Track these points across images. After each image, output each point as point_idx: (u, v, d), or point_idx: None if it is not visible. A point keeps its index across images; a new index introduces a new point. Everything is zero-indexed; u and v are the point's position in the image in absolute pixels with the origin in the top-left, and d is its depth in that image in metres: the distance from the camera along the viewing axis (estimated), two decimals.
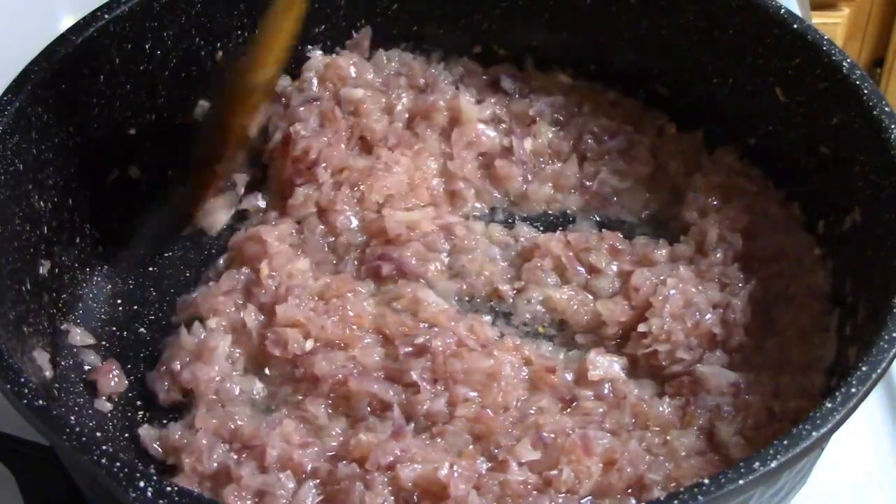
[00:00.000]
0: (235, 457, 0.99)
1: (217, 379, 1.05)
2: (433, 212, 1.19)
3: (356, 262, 1.16)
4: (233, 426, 1.01)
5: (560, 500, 0.94)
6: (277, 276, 1.12)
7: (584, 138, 1.24)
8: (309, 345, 1.06)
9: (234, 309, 1.10)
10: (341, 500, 0.94)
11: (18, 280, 1.03)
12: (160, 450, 1.02)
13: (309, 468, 0.97)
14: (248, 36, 1.22)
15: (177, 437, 1.01)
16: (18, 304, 1.02)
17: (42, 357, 1.03)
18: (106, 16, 1.10)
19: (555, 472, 0.95)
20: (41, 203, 1.07)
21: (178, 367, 1.06)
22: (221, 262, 1.18)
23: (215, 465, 0.98)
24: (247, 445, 0.99)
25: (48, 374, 1.04)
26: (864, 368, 0.85)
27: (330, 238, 1.17)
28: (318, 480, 0.97)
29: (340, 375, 1.03)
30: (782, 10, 1.13)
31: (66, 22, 1.09)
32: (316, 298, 1.10)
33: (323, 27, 1.27)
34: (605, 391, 1.04)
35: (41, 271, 1.07)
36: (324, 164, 1.20)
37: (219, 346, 1.07)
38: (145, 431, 1.03)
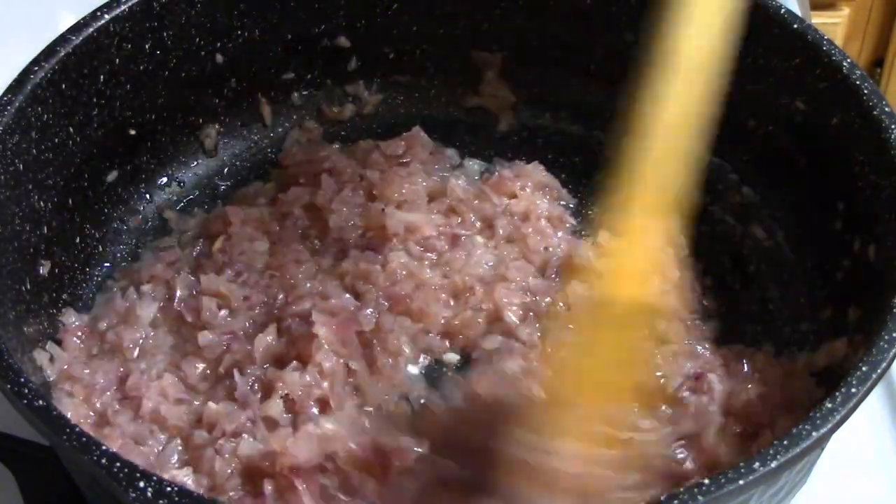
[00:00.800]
0: (117, 406, 1.01)
1: (140, 341, 1.07)
2: (441, 219, 1.18)
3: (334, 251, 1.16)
4: (123, 372, 1.03)
5: None
6: (229, 254, 1.14)
7: None
8: (224, 314, 1.08)
9: (171, 277, 1.12)
10: (198, 463, 0.96)
11: (18, 280, 1.03)
12: (53, 374, 1.03)
13: (176, 425, 0.99)
14: (248, 36, 1.23)
15: (82, 371, 1.03)
16: (18, 304, 1.01)
17: (42, 357, 1.03)
18: (106, 16, 1.10)
19: None
20: (41, 203, 1.07)
21: (104, 326, 1.08)
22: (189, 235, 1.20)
23: (98, 406, 1.01)
24: (126, 395, 1.01)
25: (48, 374, 1.04)
26: (864, 368, 0.85)
27: (314, 234, 1.18)
28: (182, 440, 0.99)
29: (225, 345, 1.05)
30: (782, 10, 1.13)
31: (66, 22, 1.09)
32: (258, 273, 1.12)
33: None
34: None
35: (41, 271, 1.07)
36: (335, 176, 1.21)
37: (146, 311, 1.09)
38: (55, 351, 1.05)
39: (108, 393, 1.02)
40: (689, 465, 0.96)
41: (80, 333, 1.08)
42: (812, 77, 1.10)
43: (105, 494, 0.81)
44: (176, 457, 0.98)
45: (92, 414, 1.01)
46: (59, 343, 1.07)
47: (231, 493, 0.94)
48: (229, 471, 0.96)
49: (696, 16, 0.80)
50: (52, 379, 1.02)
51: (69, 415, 0.98)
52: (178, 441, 0.99)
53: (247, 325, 1.08)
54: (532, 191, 1.22)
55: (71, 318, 1.09)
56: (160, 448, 0.99)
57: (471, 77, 1.33)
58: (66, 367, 1.03)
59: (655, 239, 0.80)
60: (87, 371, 1.03)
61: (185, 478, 0.96)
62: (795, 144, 1.15)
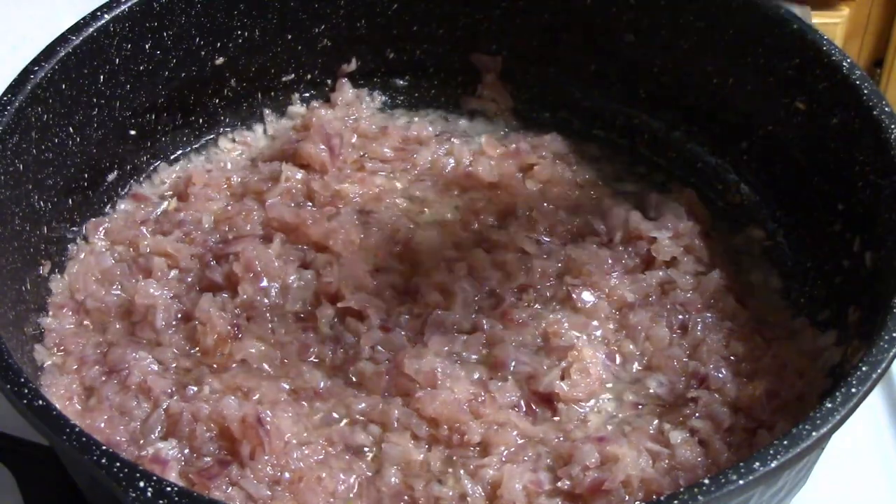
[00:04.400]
0: (104, 378, 1.03)
1: (110, 301, 1.09)
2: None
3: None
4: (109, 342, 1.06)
5: None
6: (183, 213, 1.17)
7: None
8: (173, 274, 1.11)
9: (138, 237, 1.15)
10: (176, 429, 0.98)
11: (18, 280, 1.03)
12: (50, 346, 1.05)
13: (159, 395, 1.01)
14: (248, 36, 1.23)
15: (76, 344, 1.05)
16: (18, 304, 1.02)
17: (42, 355, 1.04)
18: (106, 16, 1.10)
19: None
20: (41, 203, 1.07)
21: (82, 296, 1.09)
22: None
23: (87, 381, 1.03)
24: (113, 369, 1.03)
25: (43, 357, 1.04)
26: (864, 368, 0.85)
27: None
28: (164, 410, 1.01)
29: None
30: (782, 10, 1.13)
31: (66, 22, 1.09)
32: (207, 231, 1.16)
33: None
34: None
35: (41, 271, 1.07)
36: (341, 157, 1.24)
37: (117, 272, 1.11)
38: (48, 322, 1.06)
39: (97, 367, 1.03)
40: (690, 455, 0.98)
41: (69, 304, 1.09)
42: (812, 77, 1.10)
43: (105, 494, 0.81)
44: (159, 427, 0.99)
45: (81, 389, 1.02)
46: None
47: (207, 459, 0.96)
48: (208, 435, 0.97)
49: None
50: (46, 363, 1.03)
51: (61, 392, 1.01)
52: (161, 412, 1.00)
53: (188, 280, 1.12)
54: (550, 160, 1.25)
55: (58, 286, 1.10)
56: (143, 418, 1.00)
57: (470, 79, 1.33)
58: (58, 340, 1.05)
59: None
60: (78, 341, 1.06)
61: (171, 450, 0.97)
62: (795, 144, 1.15)
